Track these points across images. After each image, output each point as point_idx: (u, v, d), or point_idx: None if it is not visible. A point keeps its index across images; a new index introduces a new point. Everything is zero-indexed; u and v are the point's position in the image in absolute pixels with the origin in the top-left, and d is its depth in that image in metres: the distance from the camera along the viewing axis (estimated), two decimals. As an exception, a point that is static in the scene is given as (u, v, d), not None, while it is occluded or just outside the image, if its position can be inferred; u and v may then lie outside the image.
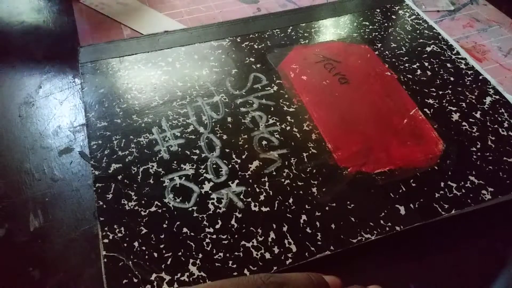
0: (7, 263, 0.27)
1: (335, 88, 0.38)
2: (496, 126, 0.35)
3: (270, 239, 0.27)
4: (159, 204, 0.29)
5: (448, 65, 0.41)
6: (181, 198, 0.29)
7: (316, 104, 0.36)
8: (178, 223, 0.28)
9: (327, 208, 0.29)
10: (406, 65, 0.40)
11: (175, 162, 0.32)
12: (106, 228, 0.28)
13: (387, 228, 0.28)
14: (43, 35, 0.44)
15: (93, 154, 0.32)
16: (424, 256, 0.28)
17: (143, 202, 0.29)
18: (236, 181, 0.31)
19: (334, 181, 0.31)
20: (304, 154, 0.32)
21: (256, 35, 0.43)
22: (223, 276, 0.26)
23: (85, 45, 0.42)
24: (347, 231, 0.28)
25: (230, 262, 0.26)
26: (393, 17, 0.46)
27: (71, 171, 0.32)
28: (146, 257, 0.26)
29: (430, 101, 0.37)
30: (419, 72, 0.40)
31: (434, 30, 0.44)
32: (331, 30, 0.44)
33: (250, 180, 0.31)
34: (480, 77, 0.39)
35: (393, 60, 0.41)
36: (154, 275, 0.26)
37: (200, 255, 0.27)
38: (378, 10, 0.47)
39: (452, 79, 0.39)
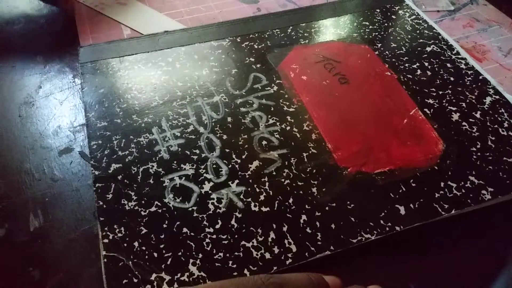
0: (7, 263, 0.27)
1: (335, 88, 0.38)
2: (496, 126, 0.35)
3: (270, 239, 0.27)
4: (159, 204, 0.29)
5: (448, 65, 0.41)
6: (181, 198, 0.30)
7: (316, 104, 0.36)
8: (178, 223, 0.28)
9: (327, 208, 0.29)
10: (406, 65, 0.40)
11: (175, 162, 0.32)
12: (106, 228, 0.28)
13: (387, 228, 0.28)
14: (43, 35, 0.44)
15: (93, 154, 0.32)
16: (424, 256, 0.28)
17: (143, 202, 0.29)
18: (236, 181, 0.31)
19: (334, 181, 0.31)
20: (304, 154, 0.32)
21: (256, 35, 0.43)
22: (223, 276, 0.26)
23: (85, 45, 0.42)
24: (347, 231, 0.28)
25: (230, 262, 0.26)
26: (393, 17, 0.46)
27: (71, 171, 0.32)
28: (146, 257, 0.26)
29: (430, 101, 0.37)
30: (419, 72, 0.40)
31: (434, 30, 0.44)
32: (331, 30, 0.44)
33: (250, 180, 0.31)
34: (480, 77, 0.39)
35: (393, 60, 0.41)
36: (154, 275, 0.26)
37: (200, 255, 0.27)
38: (378, 10, 0.47)
39: (452, 79, 0.39)
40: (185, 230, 0.28)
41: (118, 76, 0.38)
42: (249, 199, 0.30)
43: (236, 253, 0.27)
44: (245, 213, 0.29)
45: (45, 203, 0.30)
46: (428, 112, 0.36)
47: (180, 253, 0.27)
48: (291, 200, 0.30)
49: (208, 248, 0.27)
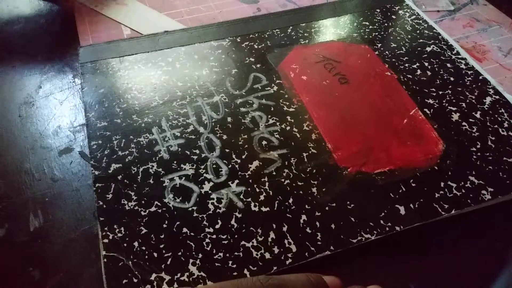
0: (7, 263, 0.27)
1: (335, 88, 0.38)
2: (496, 126, 0.35)
3: (270, 239, 0.27)
4: (159, 204, 0.29)
5: (448, 65, 0.41)
6: (181, 198, 0.30)
7: (316, 104, 0.36)
8: (178, 223, 0.28)
9: (327, 208, 0.29)
10: (406, 65, 0.40)
11: (175, 162, 0.32)
12: (106, 228, 0.28)
13: (387, 228, 0.28)
14: (43, 35, 0.44)
15: (93, 154, 0.32)
16: (424, 256, 0.28)
17: (143, 202, 0.29)
18: (236, 181, 0.31)
19: (334, 181, 0.31)
20: (304, 154, 0.32)
21: (256, 35, 0.43)
22: (223, 276, 0.26)
23: (85, 45, 0.42)
24: (347, 231, 0.28)
25: (230, 262, 0.26)
26: (393, 17, 0.46)
27: (71, 171, 0.32)
28: (146, 257, 0.26)
29: (430, 101, 0.37)
30: (419, 72, 0.40)
31: (434, 30, 0.44)
32: (331, 30, 0.44)
33: (250, 180, 0.31)
34: (480, 77, 0.39)
35: (393, 60, 0.41)
36: (154, 275, 0.26)
37: (200, 255, 0.27)
38: (378, 10, 0.47)
39: (452, 79, 0.39)
40: (185, 230, 0.28)
41: (118, 76, 0.38)
42: (249, 199, 0.30)
43: (236, 253, 0.27)
44: (245, 213, 0.29)
45: (45, 203, 0.30)
46: (428, 112, 0.36)
47: (180, 253, 0.27)
48: (291, 200, 0.30)
49: (208, 248, 0.27)
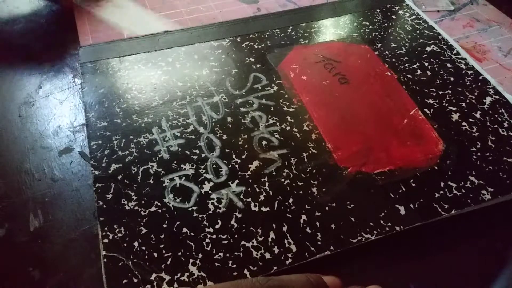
0: (7, 263, 0.27)
1: (335, 88, 0.38)
2: (496, 126, 0.35)
3: (270, 239, 0.27)
4: (159, 204, 0.29)
5: (448, 65, 0.41)
6: (181, 198, 0.29)
7: (316, 104, 0.36)
8: (178, 223, 0.28)
9: (327, 208, 0.29)
10: (406, 65, 0.40)
11: (175, 162, 0.32)
12: (106, 228, 0.28)
13: (387, 228, 0.28)
14: (43, 35, 0.44)
15: (93, 154, 0.32)
16: (424, 256, 0.28)
17: (143, 202, 0.29)
18: (236, 181, 0.31)
19: (334, 181, 0.31)
20: (304, 154, 0.32)
21: (256, 35, 0.43)
22: (223, 276, 0.26)
23: (85, 45, 0.42)
24: (347, 231, 0.28)
25: (230, 262, 0.26)
26: (393, 17, 0.46)
27: (71, 171, 0.32)
28: (146, 257, 0.26)
29: (430, 101, 0.37)
30: (419, 72, 0.40)
31: (434, 30, 0.44)
32: (331, 30, 0.44)
33: (250, 180, 0.31)
34: (480, 77, 0.39)
35: (393, 60, 0.41)
36: (154, 275, 0.26)
37: (200, 255, 0.27)
38: (378, 10, 0.47)
39: (452, 79, 0.39)
40: (185, 230, 0.28)
41: (118, 76, 0.38)
42: (249, 199, 0.30)
43: (236, 253, 0.27)
44: (245, 213, 0.29)
45: (45, 203, 0.30)
46: (428, 112, 0.36)
47: (180, 253, 0.27)
48: (291, 200, 0.30)
49: (208, 248, 0.27)
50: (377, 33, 0.44)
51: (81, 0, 0.48)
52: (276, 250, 0.27)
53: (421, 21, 0.46)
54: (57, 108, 0.37)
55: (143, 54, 0.40)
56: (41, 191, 0.31)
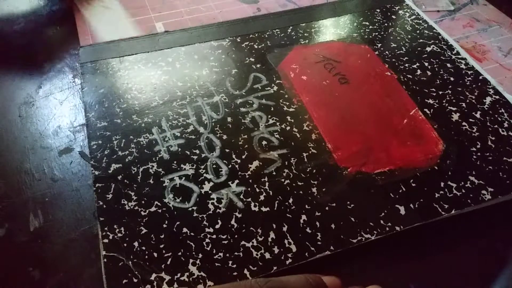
0: (7, 263, 0.27)
1: (335, 88, 0.38)
2: (496, 126, 0.35)
3: (270, 239, 0.27)
4: (159, 204, 0.29)
5: (448, 65, 0.41)
6: (181, 198, 0.29)
7: (316, 104, 0.36)
8: (178, 223, 0.28)
9: (327, 208, 0.29)
10: (406, 65, 0.40)
11: (175, 162, 0.32)
12: (106, 228, 0.28)
13: (387, 228, 0.28)
14: (43, 35, 0.44)
15: (93, 154, 0.32)
16: (424, 256, 0.28)
17: (143, 202, 0.29)
18: (236, 181, 0.31)
19: (334, 181, 0.31)
20: (304, 154, 0.32)
21: (256, 35, 0.43)
22: (223, 276, 0.26)
23: (85, 45, 0.42)
24: (347, 231, 0.28)
25: (230, 262, 0.26)
26: (393, 17, 0.46)
27: (71, 171, 0.32)
28: (146, 257, 0.26)
29: (430, 101, 0.37)
30: (419, 72, 0.40)
31: (434, 30, 0.44)
32: (331, 30, 0.44)
33: (250, 180, 0.31)
34: (480, 77, 0.39)
35: (393, 60, 0.41)
36: (154, 275, 0.26)
37: (200, 255, 0.27)
38: (378, 10, 0.47)
39: (452, 79, 0.39)
40: (185, 230, 0.28)
41: (118, 76, 0.38)
42: (249, 199, 0.30)
43: (236, 253, 0.27)
44: (245, 213, 0.29)
45: (45, 203, 0.30)
46: (428, 112, 0.36)
47: (180, 253, 0.27)
48: (291, 200, 0.30)
49: (208, 248, 0.27)
50: (377, 33, 0.44)
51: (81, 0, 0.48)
52: (276, 250, 0.27)
53: (421, 21, 0.46)
54: (57, 108, 0.37)
55: (143, 54, 0.40)
56: (41, 191, 0.31)
